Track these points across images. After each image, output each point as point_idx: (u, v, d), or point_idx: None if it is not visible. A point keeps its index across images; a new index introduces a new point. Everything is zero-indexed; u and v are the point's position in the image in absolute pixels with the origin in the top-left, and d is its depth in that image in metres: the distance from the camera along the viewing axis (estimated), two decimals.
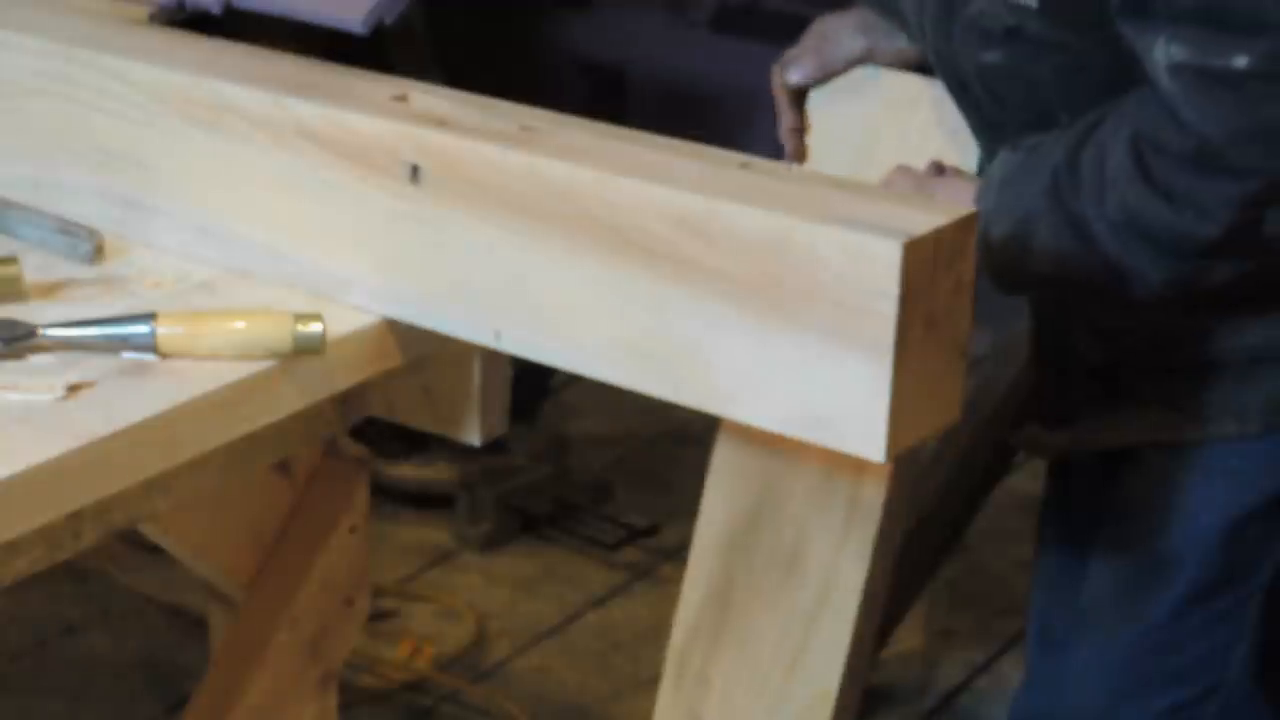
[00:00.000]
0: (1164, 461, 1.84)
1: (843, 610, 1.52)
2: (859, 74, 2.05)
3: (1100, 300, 1.80)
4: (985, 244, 1.63)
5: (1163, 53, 1.60)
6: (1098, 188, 1.65)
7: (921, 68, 1.97)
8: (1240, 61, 1.56)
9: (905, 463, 1.42)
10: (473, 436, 1.69)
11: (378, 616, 3.12)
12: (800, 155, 2.05)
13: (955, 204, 1.72)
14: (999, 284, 1.73)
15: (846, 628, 1.52)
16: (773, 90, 2.05)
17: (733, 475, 1.55)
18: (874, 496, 1.48)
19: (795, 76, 2.04)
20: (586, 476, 3.61)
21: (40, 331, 1.51)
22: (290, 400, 1.53)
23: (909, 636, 3.16)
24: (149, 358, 1.50)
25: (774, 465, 1.52)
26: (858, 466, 1.47)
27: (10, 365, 1.49)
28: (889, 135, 2.02)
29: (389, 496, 3.40)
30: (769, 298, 1.39)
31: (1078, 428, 1.89)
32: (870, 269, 1.35)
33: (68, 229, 1.67)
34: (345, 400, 1.61)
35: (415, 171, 1.54)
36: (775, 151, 2.06)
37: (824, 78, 2.04)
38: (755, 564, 1.55)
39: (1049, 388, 1.95)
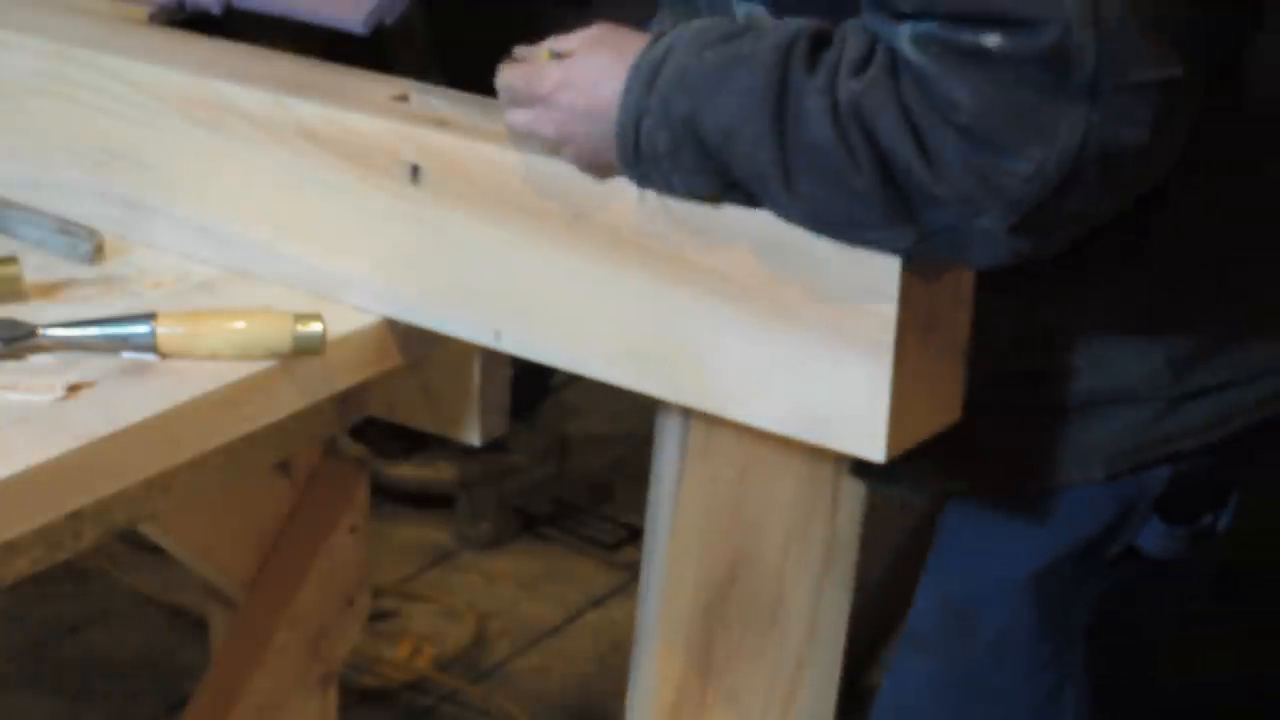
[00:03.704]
0: (985, 505, 1.69)
1: (828, 648, 1.52)
2: None
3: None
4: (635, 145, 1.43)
5: (908, 30, 1.39)
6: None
7: None
8: (991, 40, 1.36)
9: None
10: (473, 436, 1.69)
11: (378, 616, 3.12)
12: None
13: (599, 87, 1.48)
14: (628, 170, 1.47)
15: (835, 664, 1.52)
16: None
17: (701, 541, 1.54)
18: (849, 532, 1.49)
19: None
20: (586, 476, 3.61)
21: (40, 331, 1.51)
22: (290, 400, 1.53)
23: None
24: (149, 358, 1.50)
25: (745, 526, 1.52)
26: (832, 503, 1.47)
27: (10, 365, 1.49)
28: None
29: (389, 496, 3.40)
30: (768, 298, 1.39)
31: (921, 479, 1.69)
32: (870, 270, 1.35)
33: (68, 229, 1.67)
34: (345, 400, 1.61)
35: (415, 171, 1.54)
36: None
37: None
38: (733, 621, 1.55)
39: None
